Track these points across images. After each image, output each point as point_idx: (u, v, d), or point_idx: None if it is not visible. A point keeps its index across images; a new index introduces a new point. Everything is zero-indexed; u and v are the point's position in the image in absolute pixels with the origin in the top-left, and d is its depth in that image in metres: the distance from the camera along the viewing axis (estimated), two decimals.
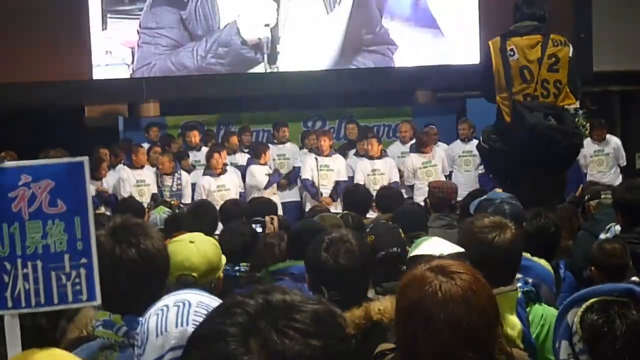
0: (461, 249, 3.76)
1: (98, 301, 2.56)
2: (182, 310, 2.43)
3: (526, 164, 6.93)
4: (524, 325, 3.80)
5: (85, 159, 2.73)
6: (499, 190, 7.58)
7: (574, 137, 6.87)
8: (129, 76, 14.40)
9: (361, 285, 3.58)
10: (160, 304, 2.50)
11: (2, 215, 2.67)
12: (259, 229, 6.29)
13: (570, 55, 6.67)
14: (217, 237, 5.43)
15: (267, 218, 6.38)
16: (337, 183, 12.70)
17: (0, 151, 12.37)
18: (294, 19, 14.53)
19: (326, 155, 12.80)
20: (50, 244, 2.64)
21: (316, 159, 12.69)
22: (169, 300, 2.50)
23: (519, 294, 3.91)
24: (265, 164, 12.77)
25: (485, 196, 6.06)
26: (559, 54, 6.69)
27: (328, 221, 5.60)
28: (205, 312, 2.39)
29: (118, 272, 2.91)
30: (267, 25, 14.36)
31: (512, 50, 6.86)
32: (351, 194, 9.02)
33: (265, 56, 14.43)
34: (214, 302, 2.46)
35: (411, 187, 12.92)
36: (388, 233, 4.99)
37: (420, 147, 13.06)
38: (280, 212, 10.80)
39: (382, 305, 3.34)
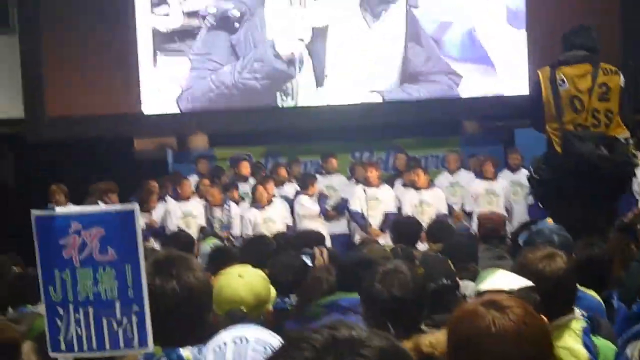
0: (531, 283, 3.72)
1: (150, 348, 2.56)
2: (240, 348, 2.43)
3: (577, 193, 6.87)
4: (592, 355, 3.75)
5: (135, 207, 2.75)
6: (549, 220, 7.52)
7: (626, 166, 6.78)
8: (178, 111, 14.58)
9: (414, 317, 3.58)
10: (218, 339, 2.51)
11: (54, 261, 2.68)
12: (308, 261, 6.27)
13: (622, 84, 6.60)
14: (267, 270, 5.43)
15: (317, 250, 6.36)
16: (385, 215, 12.65)
17: (51, 184, 12.54)
18: (338, 45, 14.62)
19: (374, 186, 12.78)
20: (101, 291, 2.66)
21: (364, 190, 12.67)
22: (227, 336, 2.50)
23: (584, 323, 3.86)
24: (312, 195, 12.78)
25: (534, 227, 6.01)
26: (609, 83, 6.63)
27: (377, 253, 5.58)
28: (263, 349, 2.39)
29: (159, 304, 2.91)
30: (301, 40, 14.45)
31: (562, 79, 6.81)
32: (400, 225, 8.98)
33: (295, 82, 14.51)
34: (271, 338, 2.46)
35: (469, 215, 12.83)
36: (438, 264, 4.97)
37: (485, 174, 12.96)
38: (328, 243, 10.86)
39: (434, 338, 3.32)
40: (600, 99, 6.63)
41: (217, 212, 12.34)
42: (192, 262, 3.09)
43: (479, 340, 2.43)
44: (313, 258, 6.33)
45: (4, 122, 15.15)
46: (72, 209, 2.87)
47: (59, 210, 2.81)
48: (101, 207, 2.83)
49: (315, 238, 8.12)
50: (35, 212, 2.95)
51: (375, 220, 12.68)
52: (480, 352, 2.42)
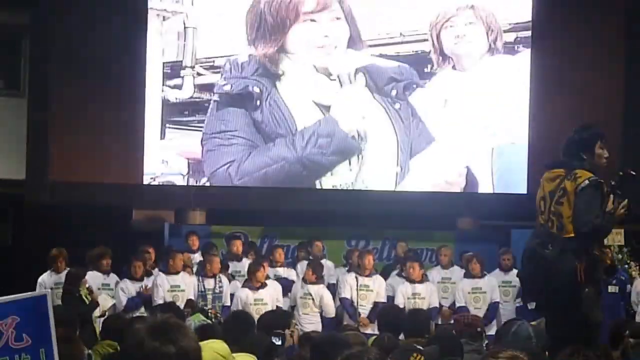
0: None
1: None
2: None
3: (536, 293, 6.96)
4: None
5: (47, 292, 2.78)
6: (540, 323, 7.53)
7: (558, 265, 6.79)
8: (180, 184, 14.75)
9: None
10: None
11: None
12: (279, 342, 6.29)
13: (579, 188, 6.67)
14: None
15: (287, 331, 6.38)
16: (375, 304, 12.61)
17: (49, 246, 12.59)
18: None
19: (367, 275, 12.75)
20: None
21: (356, 278, 12.65)
22: None
23: None
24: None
25: (515, 325, 6.04)
26: (567, 188, 6.72)
27: (353, 339, 5.59)
28: None
29: None
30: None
31: (541, 181, 7.00)
32: (387, 314, 8.97)
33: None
34: None
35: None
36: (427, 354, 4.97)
37: (471, 272, 12.97)
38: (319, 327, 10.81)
39: None
40: (556, 203, 6.75)
41: (210, 283, 12.33)
42: (187, 329, 3.14)
43: None
44: (284, 339, 6.35)
45: (6, 183, 15.26)
46: None
47: None
48: (15, 296, 2.85)
49: (286, 319, 8.09)
50: None
51: (365, 310, 12.63)
52: None
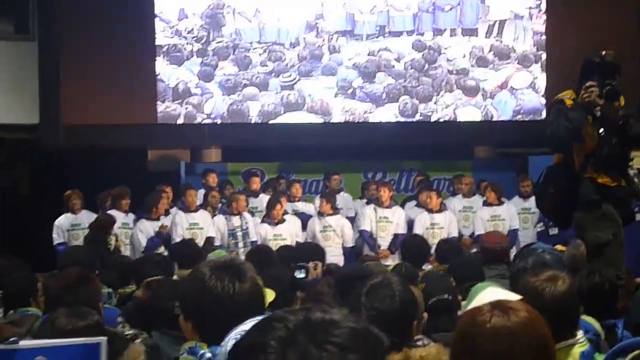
0: (519, 296, 3.68)
1: None
2: None
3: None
4: None
5: (103, 340, 2.72)
6: (559, 247, 7.48)
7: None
8: (193, 122, 14.70)
9: (402, 331, 3.55)
10: (240, 328, 2.56)
11: None
12: (302, 275, 6.26)
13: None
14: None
15: (311, 264, 6.35)
16: (395, 236, 12.59)
17: (64, 190, 12.58)
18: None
19: (386, 207, 12.72)
20: None
21: (375, 210, 12.62)
22: (249, 325, 2.54)
23: (586, 346, 3.81)
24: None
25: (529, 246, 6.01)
26: None
27: (376, 268, 5.56)
28: None
29: (214, 307, 3.03)
30: None
31: None
32: (409, 244, 8.96)
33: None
34: None
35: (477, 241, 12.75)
36: (439, 280, 4.96)
37: (487, 200, 12.90)
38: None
39: (425, 352, 3.29)
40: None
41: (237, 221, 12.33)
42: (249, 270, 3.20)
43: (475, 336, 2.44)
44: (307, 272, 6.32)
45: (20, 128, 15.24)
46: (36, 342, 2.82)
47: (23, 343, 2.75)
48: (67, 340, 2.78)
49: (314, 251, 8.09)
50: None
51: (384, 242, 12.62)
52: (475, 348, 2.43)
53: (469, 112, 15.02)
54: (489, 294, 3.63)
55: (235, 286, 3.06)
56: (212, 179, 13.61)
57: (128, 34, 14.52)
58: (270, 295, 4.15)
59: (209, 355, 2.94)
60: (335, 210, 12.66)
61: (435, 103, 14.97)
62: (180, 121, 14.76)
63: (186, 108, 14.75)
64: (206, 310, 3.03)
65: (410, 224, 12.80)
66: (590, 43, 8.27)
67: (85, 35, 14.52)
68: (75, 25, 14.56)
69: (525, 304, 2.60)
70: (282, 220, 12.28)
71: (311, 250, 8.20)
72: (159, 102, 14.70)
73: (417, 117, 14.97)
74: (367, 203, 13.11)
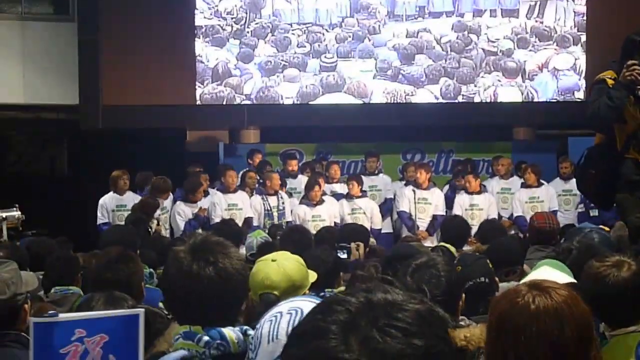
0: (573, 280, 3.62)
1: None
2: (294, 318, 2.45)
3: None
4: None
5: (141, 312, 2.70)
6: (604, 228, 7.42)
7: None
8: (233, 103, 14.72)
9: (447, 311, 3.51)
10: (275, 310, 2.55)
11: None
12: (344, 255, 6.23)
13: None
14: None
15: (353, 244, 6.32)
16: (434, 217, 12.55)
17: (106, 170, 12.58)
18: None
19: (424, 189, 12.67)
20: None
21: (414, 191, 12.57)
22: (284, 307, 2.52)
23: None
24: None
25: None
26: None
27: (420, 248, 5.53)
28: None
29: (195, 289, 2.94)
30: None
31: None
32: (449, 224, 8.92)
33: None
34: None
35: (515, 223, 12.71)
36: (476, 263, 4.92)
37: (526, 182, 12.78)
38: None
39: (469, 332, 3.25)
40: None
41: (273, 201, 12.33)
42: (229, 248, 3.08)
43: (517, 317, 2.40)
44: (349, 252, 6.29)
45: (60, 108, 15.34)
46: (75, 315, 2.81)
47: (62, 316, 2.73)
48: (107, 312, 2.77)
49: (357, 232, 8.05)
50: (33, 320, 2.80)
51: (424, 223, 12.58)
52: (517, 330, 2.39)
53: (510, 93, 14.91)
54: (542, 272, 3.59)
55: (210, 268, 2.94)
56: (258, 159, 13.63)
57: (167, 15, 14.54)
58: (312, 276, 4.15)
59: (206, 338, 2.87)
60: (364, 193, 12.64)
61: (475, 85, 14.87)
62: (219, 102, 14.77)
63: (225, 89, 14.76)
64: (189, 293, 2.91)
65: (449, 204, 12.76)
66: (631, 24, 8.13)
67: (124, 16, 14.56)
68: (114, 7, 14.60)
69: (558, 283, 2.56)
70: (321, 202, 12.25)
71: (354, 231, 8.15)
72: (197, 83, 14.72)
73: (460, 99, 14.87)
74: (406, 185, 13.06)
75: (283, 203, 12.37)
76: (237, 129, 15.37)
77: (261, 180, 12.85)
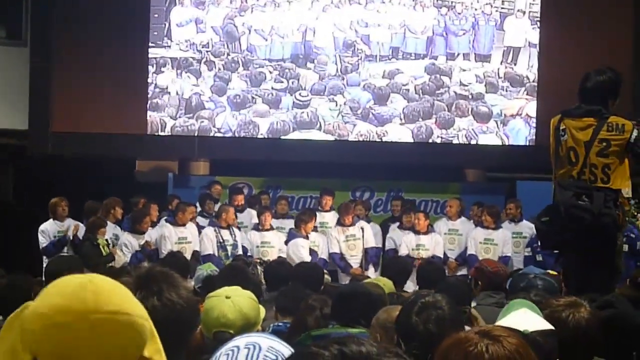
0: (551, 327, 3.63)
1: None
2: (252, 353, 2.42)
3: (574, 247, 6.76)
4: None
5: None
6: (551, 272, 7.44)
7: (602, 217, 6.59)
8: (182, 134, 14.64)
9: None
10: (231, 344, 2.51)
11: None
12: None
13: (632, 139, 6.45)
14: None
15: None
16: (365, 250, 12.60)
17: (49, 198, 12.51)
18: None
19: (349, 225, 12.69)
20: None
21: (342, 230, 12.65)
22: (240, 342, 2.49)
23: None
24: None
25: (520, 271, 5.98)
26: (611, 141, 6.50)
27: (372, 288, 5.49)
28: (275, 358, 2.36)
29: None
30: None
31: (563, 130, 6.69)
32: (391, 263, 8.96)
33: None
34: (284, 348, 2.44)
35: (463, 264, 12.80)
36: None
37: (484, 223, 12.81)
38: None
39: None
40: (598, 155, 6.49)
41: (226, 234, 12.30)
42: (175, 279, 2.99)
43: None
44: None
45: (9, 133, 15.16)
46: None
47: None
48: None
49: (314, 273, 8.00)
50: None
51: (356, 259, 12.62)
52: None
53: (485, 137, 14.96)
54: (521, 316, 3.57)
55: (154, 298, 2.83)
56: (217, 191, 13.63)
57: (121, 43, 14.45)
58: (263, 312, 4.10)
59: None
60: (355, 219, 12.74)
61: (448, 129, 14.88)
62: (190, 134, 14.67)
63: (196, 122, 14.67)
64: None
65: (393, 245, 12.79)
66: (582, 71, 8.27)
67: (77, 42, 14.45)
68: (67, 33, 14.49)
69: (508, 330, 2.55)
70: (271, 228, 12.41)
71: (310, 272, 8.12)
72: (150, 112, 14.61)
73: (437, 140, 14.88)
74: (336, 225, 13.02)
75: (235, 237, 12.35)
76: (187, 159, 15.29)
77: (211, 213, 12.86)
